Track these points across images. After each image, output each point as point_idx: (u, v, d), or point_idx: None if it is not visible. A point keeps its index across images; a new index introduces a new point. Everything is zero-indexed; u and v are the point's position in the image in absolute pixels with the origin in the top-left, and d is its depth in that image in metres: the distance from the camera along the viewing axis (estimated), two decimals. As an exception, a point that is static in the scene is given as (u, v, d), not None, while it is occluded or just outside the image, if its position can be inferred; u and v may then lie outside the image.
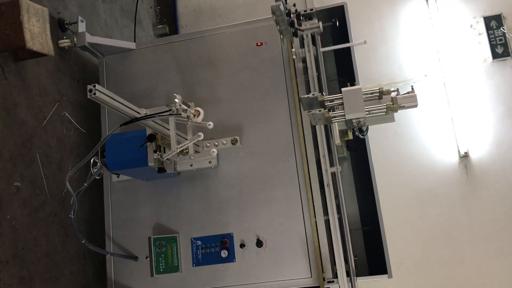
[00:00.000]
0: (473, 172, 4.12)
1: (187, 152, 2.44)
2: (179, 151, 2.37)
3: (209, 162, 2.82)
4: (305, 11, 2.74)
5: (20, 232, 2.39)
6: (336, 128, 2.65)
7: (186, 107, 2.23)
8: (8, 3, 2.32)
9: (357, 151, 2.99)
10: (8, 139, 2.41)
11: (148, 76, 3.11)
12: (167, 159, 2.49)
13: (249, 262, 2.69)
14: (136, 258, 2.81)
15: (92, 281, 2.96)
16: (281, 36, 2.68)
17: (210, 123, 2.28)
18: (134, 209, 2.91)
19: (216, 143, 2.76)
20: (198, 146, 2.69)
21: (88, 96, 1.92)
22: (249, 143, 2.85)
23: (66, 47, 2.98)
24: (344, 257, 2.56)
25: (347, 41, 3.00)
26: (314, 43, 2.82)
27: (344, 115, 2.24)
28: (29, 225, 2.47)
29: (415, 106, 2.27)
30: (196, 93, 3.00)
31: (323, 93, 2.60)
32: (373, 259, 2.89)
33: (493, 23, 4.24)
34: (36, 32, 2.39)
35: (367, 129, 2.59)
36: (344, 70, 3.23)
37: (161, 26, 4.79)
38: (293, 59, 2.90)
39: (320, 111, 2.24)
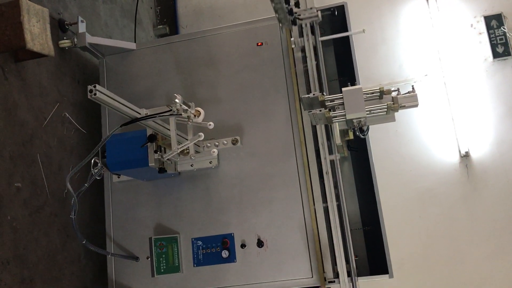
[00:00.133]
0: (474, 171, 4.11)
1: (188, 152, 2.44)
2: (180, 151, 2.37)
3: (210, 162, 2.82)
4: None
5: (20, 233, 2.39)
6: (336, 128, 2.65)
7: (186, 107, 2.23)
8: (8, 4, 2.32)
9: (358, 151, 2.99)
10: (9, 140, 2.41)
11: (149, 77, 3.11)
12: (167, 159, 2.49)
13: (250, 262, 2.69)
14: (137, 258, 2.81)
15: (92, 282, 2.96)
16: (280, 25, 2.68)
17: (211, 123, 2.28)
18: (135, 209, 2.91)
19: (217, 143, 2.76)
20: (199, 146, 2.68)
21: (89, 97, 1.92)
22: (250, 143, 2.85)
23: (67, 48, 2.98)
24: (345, 257, 2.56)
25: (348, 40, 3.00)
26: (313, 32, 2.82)
27: (344, 115, 2.24)
28: (30, 226, 2.47)
29: (416, 105, 2.27)
30: (196, 93, 3.00)
31: (324, 93, 2.60)
32: (374, 259, 2.89)
33: (493, 22, 4.24)
34: (36, 32, 2.39)
35: (367, 129, 2.59)
36: (344, 70, 3.23)
37: (161, 26, 4.79)
38: (292, 48, 2.90)
39: (320, 111, 2.24)
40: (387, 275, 2.59)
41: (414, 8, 4.48)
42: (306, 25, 2.84)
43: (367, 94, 2.27)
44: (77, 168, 2.23)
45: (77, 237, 2.43)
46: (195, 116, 2.27)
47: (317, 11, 2.78)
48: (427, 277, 4.03)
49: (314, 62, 2.79)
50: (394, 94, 2.29)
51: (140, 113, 2.24)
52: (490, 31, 4.23)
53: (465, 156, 4.13)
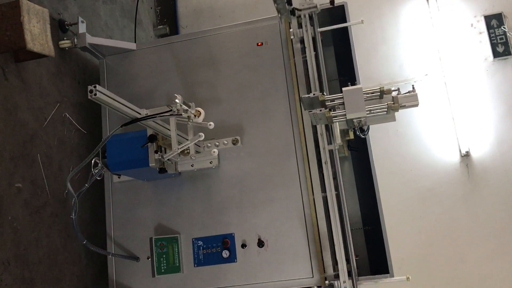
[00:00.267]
0: (474, 171, 4.11)
1: (188, 153, 2.44)
2: (180, 152, 2.37)
3: (210, 162, 2.82)
4: None
5: (21, 233, 2.39)
6: (337, 128, 2.65)
7: (186, 108, 2.23)
8: (9, 4, 2.32)
9: (358, 150, 2.99)
10: (9, 140, 2.41)
11: (149, 77, 3.11)
12: (168, 159, 2.49)
13: (250, 262, 2.69)
14: (137, 258, 2.81)
15: (93, 282, 2.96)
16: (279, 15, 2.68)
17: (211, 123, 2.28)
18: (135, 209, 2.91)
19: (217, 143, 2.76)
20: (199, 146, 2.68)
21: (89, 97, 1.92)
22: (250, 143, 2.85)
23: (67, 48, 2.98)
24: (345, 257, 2.55)
25: (348, 41, 3.01)
26: (312, 23, 2.83)
27: (345, 115, 2.24)
28: (31, 226, 2.47)
29: (416, 105, 2.27)
30: (196, 93, 3.00)
31: (324, 93, 2.60)
32: (375, 258, 2.88)
33: (493, 22, 4.24)
34: (36, 33, 2.39)
35: (368, 129, 2.59)
36: (344, 69, 3.23)
37: (161, 26, 4.79)
38: (291, 39, 2.90)
39: (321, 110, 2.24)
40: (388, 275, 2.59)
41: (414, 7, 4.48)
42: (304, 16, 2.84)
43: (368, 94, 2.27)
44: (77, 168, 2.23)
45: (78, 238, 2.43)
46: (195, 116, 2.27)
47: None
48: (428, 277, 4.03)
49: (313, 53, 2.79)
50: (394, 93, 2.30)
51: (140, 113, 2.24)
52: (490, 31, 4.23)
53: (466, 156, 4.13)
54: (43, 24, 2.46)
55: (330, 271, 2.59)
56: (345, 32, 3.03)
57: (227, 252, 2.71)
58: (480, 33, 4.29)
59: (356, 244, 2.82)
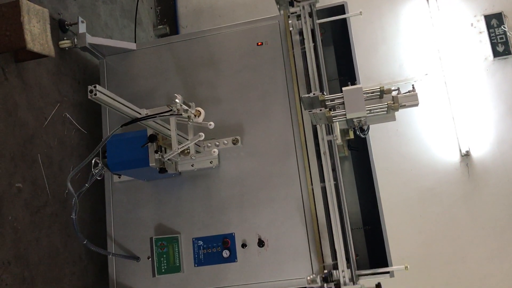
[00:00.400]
0: (475, 171, 4.11)
1: (188, 152, 2.44)
2: (180, 151, 2.37)
3: (210, 162, 2.82)
4: None
5: (21, 233, 2.40)
6: (337, 127, 2.65)
7: (187, 107, 2.23)
8: (9, 4, 2.32)
9: (358, 150, 2.99)
10: (9, 140, 2.41)
11: (149, 77, 3.11)
12: (168, 159, 2.49)
13: (251, 262, 2.69)
14: (137, 258, 2.81)
15: (93, 282, 2.97)
16: (278, 7, 2.67)
17: (211, 123, 2.28)
18: (136, 209, 2.91)
19: (217, 143, 2.76)
20: (199, 146, 2.69)
21: (89, 97, 1.92)
22: (250, 143, 2.85)
23: (67, 48, 2.98)
24: (345, 256, 2.55)
25: (348, 41, 3.01)
26: (310, 15, 2.83)
27: (345, 115, 2.24)
28: (31, 226, 2.47)
29: (416, 105, 2.27)
30: (197, 93, 3.00)
31: (324, 93, 2.60)
32: (375, 258, 2.88)
33: (493, 21, 4.24)
34: (36, 33, 2.39)
35: (368, 128, 2.59)
36: (344, 69, 3.23)
37: (161, 26, 4.79)
38: (290, 31, 2.91)
39: (321, 110, 2.24)
40: (388, 275, 2.59)
41: (414, 7, 4.48)
42: (303, 7, 2.84)
43: (368, 93, 2.27)
44: (77, 168, 2.23)
45: (78, 237, 2.43)
46: (195, 116, 2.27)
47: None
48: (428, 276, 4.03)
49: (311, 44, 2.79)
50: (394, 93, 2.29)
51: (140, 113, 2.24)
52: (490, 30, 4.23)
53: (466, 155, 4.13)
54: (43, 24, 2.46)
55: (330, 268, 2.58)
56: (345, 31, 3.03)
57: (227, 252, 2.71)
58: (480, 32, 4.29)
59: (356, 244, 2.82)
